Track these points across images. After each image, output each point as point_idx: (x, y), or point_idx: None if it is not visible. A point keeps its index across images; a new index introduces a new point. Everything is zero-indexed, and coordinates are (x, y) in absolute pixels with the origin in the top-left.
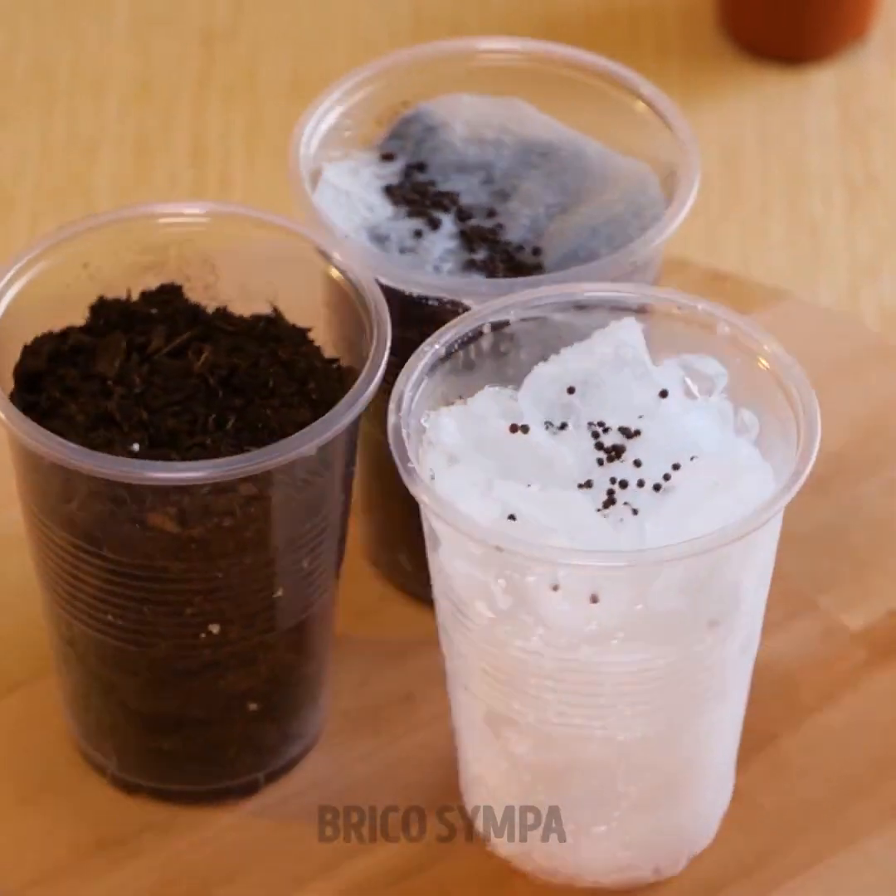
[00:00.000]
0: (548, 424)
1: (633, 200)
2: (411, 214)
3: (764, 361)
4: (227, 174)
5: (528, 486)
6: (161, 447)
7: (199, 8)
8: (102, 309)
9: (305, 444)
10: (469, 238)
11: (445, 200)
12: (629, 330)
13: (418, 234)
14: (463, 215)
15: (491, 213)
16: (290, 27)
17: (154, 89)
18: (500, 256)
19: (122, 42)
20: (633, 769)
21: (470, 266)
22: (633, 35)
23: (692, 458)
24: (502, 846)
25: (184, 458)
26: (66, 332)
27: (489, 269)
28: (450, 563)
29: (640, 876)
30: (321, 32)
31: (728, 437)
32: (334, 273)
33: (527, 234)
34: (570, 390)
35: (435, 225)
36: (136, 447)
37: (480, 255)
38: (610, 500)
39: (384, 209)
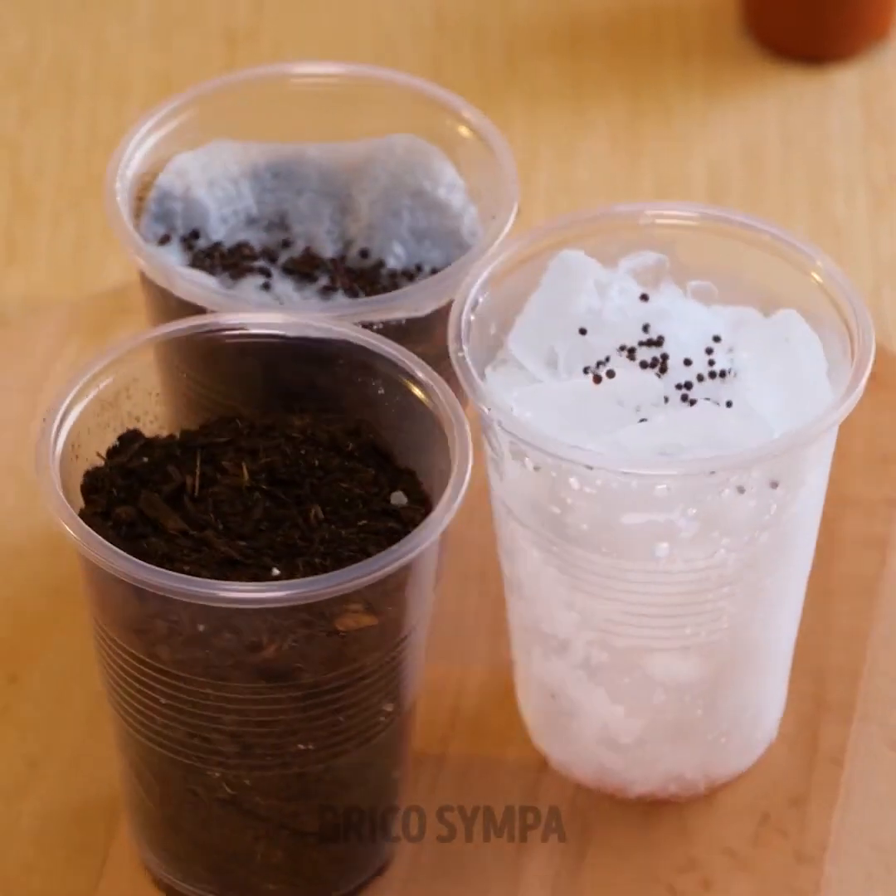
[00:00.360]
0: (586, 370)
1: (413, 165)
2: (238, 275)
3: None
4: None
5: (642, 420)
6: (292, 559)
7: (221, 7)
8: (95, 483)
9: (447, 515)
10: (299, 272)
11: (246, 251)
12: (581, 259)
13: (266, 287)
14: (270, 256)
15: (286, 244)
16: (313, 27)
17: (176, 89)
18: (339, 273)
19: (144, 41)
20: (780, 643)
21: (329, 292)
22: (656, 35)
23: (716, 338)
24: (637, 785)
25: (324, 561)
26: (100, 513)
27: (346, 287)
28: (617, 521)
29: (759, 754)
30: (344, 32)
31: (716, 307)
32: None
33: (337, 246)
34: (582, 331)
35: (267, 274)
36: (276, 571)
37: (324, 280)
38: (692, 404)
39: (211, 282)
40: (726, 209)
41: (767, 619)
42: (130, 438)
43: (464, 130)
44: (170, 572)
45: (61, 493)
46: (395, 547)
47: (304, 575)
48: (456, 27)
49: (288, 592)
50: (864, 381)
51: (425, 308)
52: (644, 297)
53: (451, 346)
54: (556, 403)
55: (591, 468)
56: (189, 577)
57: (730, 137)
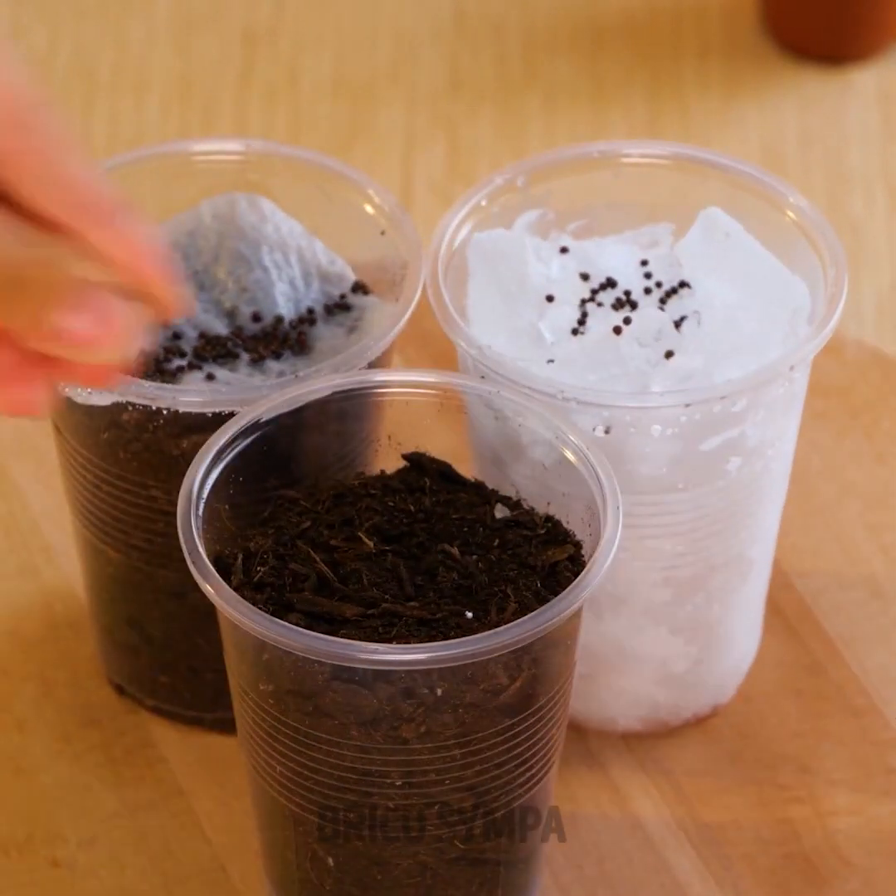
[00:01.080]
0: (575, 331)
1: (241, 217)
2: (171, 379)
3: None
4: None
5: (668, 353)
6: (472, 599)
7: (240, 7)
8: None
9: (618, 524)
10: (219, 356)
11: (154, 356)
12: (504, 236)
13: (210, 377)
14: (178, 352)
15: (177, 337)
16: (333, 27)
17: (195, 88)
18: (250, 343)
19: (164, 41)
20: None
21: (259, 362)
22: (676, 34)
23: (644, 262)
24: (685, 711)
25: (504, 588)
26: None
27: (270, 353)
28: (696, 450)
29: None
30: (363, 32)
31: (614, 237)
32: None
33: (224, 321)
34: (549, 298)
35: (198, 367)
36: (469, 615)
37: (244, 355)
38: (678, 326)
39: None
40: (700, 148)
41: (780, 504)
42: (225, 557)
43: (369, 207)
44: (419, 646)
45: (272, 618)
46: (595, 556)
47: (500, 608)
48: (475, 26)
49: (532, 627)
50: (839, 311)
51: (387, 341)
52: (564, 250)
53: (472, 352)
54: (590, 366)
55: (688, 405)
56: (433, 643)
57: (748, 137)
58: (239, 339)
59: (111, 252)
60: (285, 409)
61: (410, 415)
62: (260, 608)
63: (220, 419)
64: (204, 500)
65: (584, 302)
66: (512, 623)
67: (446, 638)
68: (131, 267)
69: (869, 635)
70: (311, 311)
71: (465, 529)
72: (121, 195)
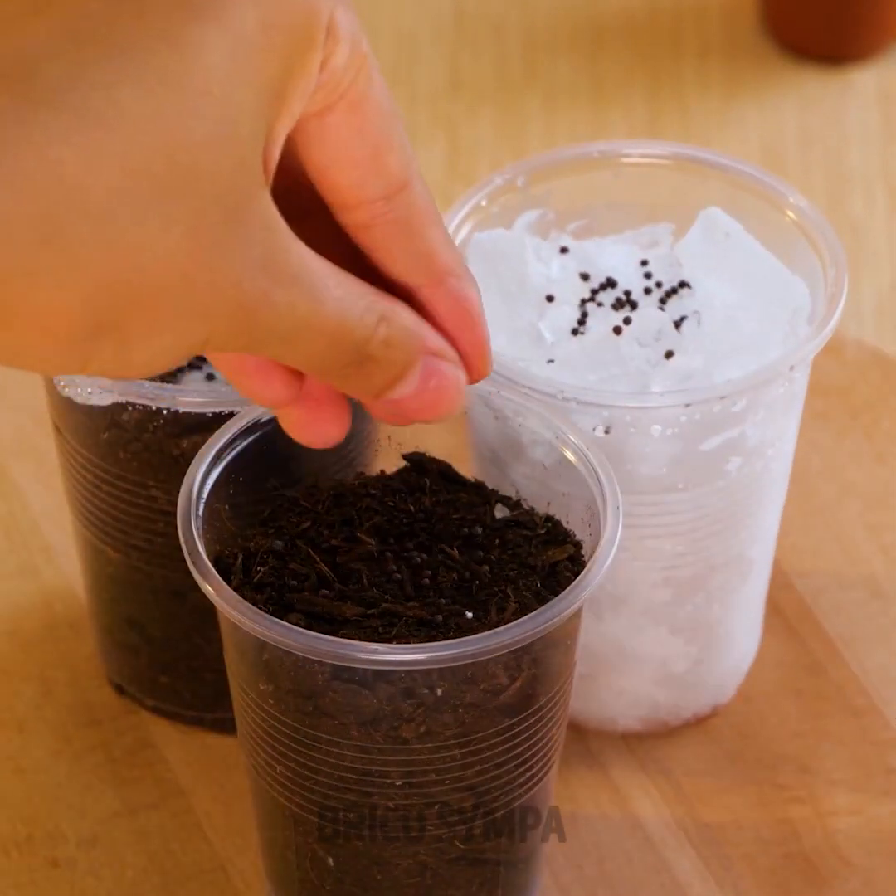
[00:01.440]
0: (575, 331)
1: None
2: (170, 378)
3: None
4: None
5: (668, 353)
6: (473, 599)
7: None
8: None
9: (607, 559)
10: None
11: None
12: (504, 236)
13: (210, 377)
14: None
15: None
16: None
17: None
18: None
19: None
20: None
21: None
22: (676, 34)
23: (644, 262)
24: (685, 711)
25: (505, 588)
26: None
27: None
28: (696, 450)
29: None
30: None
31: (614, 237)
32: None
33: None
34: (549, 298)
35: (193, 367)
36: (469, 615)
37: None
38: (678, 326)
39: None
40: (700, 148)
41: (780, 504)
42: (225, 557)
43: None
44: (419, 646)
45: (272, 618)
46: (596, 556)
47: (500, 608)
48: (475, 26)
49: (532, 627)
50: (839, 311)
51: None
52: (564, 250)
53: None
54: (590, 365)
55: (688, 405)
56: (434, 643)
57: (748, 137)
58: None
59: (441, 310)
60: None
61: None
62: (260, 608)
63: (220, 419)
64: (204, 500)
65: (584, 302)
66: (512, 623)
67: (446, 638)
68: (459, 327)
69: (869, 635)
70: None
71: (465, 529)
72: (463, 260)
